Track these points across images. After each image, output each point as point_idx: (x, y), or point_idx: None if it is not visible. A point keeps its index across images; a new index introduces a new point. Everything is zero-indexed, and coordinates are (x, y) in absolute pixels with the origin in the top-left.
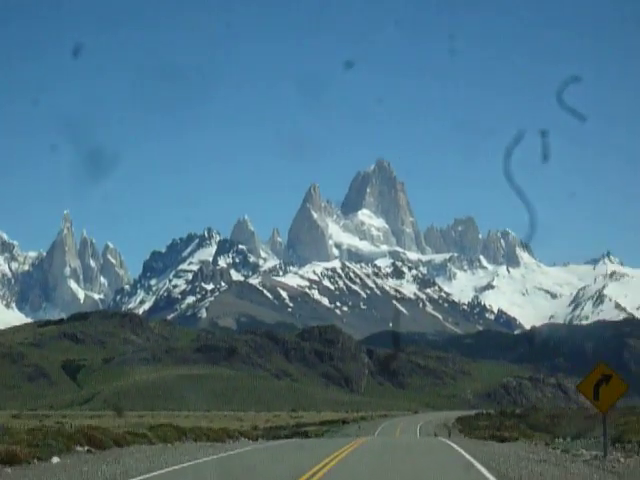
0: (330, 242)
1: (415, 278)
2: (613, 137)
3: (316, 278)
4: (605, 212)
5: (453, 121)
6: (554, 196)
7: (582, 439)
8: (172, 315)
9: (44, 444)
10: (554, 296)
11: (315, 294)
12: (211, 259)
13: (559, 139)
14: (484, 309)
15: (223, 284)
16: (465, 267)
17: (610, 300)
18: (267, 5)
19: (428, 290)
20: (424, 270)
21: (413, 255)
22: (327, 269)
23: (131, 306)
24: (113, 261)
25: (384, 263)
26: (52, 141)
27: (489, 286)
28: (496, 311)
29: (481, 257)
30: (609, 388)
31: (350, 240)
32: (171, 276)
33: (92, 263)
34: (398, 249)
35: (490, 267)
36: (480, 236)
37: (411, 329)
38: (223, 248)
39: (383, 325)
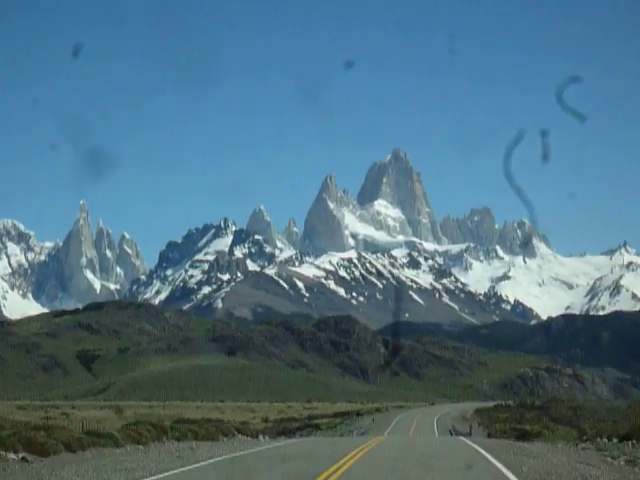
0: (346, 232)
1: (431, 268)
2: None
3: (332, 268)
4: (622, 203)
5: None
6: (570, 187)
7: (634, 440)
8: (188, 305)
9: None
10: (571, 287)
11: (331, 284)
12: (227, 249)
13: (568, 136)
14: (500, 299)
15: (239, 274)
16: (481, 257)
17: (627, 291)
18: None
19: (444, 280)
20: (440, 260)
21: (429, 245)
22: (343, 259)
23: (147, 296)
24: (129, 251)
25: (400, 253)
26: (66, 131)
27: (505, 276)
28: (512, 302)
29: (497, 247)
30: None
31: (366, 230)
32: (187, 266)
33: (108, 253)
34: (414, 239)
35: (506, 257)
36: (496, 226)
37: (427, 319)
38: (239, 238)
39: (399, 315)
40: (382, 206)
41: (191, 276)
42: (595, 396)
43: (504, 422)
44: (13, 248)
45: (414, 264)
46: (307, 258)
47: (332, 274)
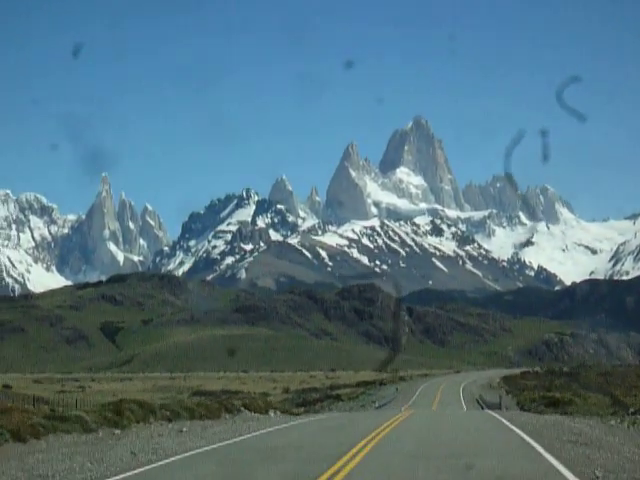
0: (369, 201)
1: (454, 235)
2: None
3: (355, 237)
4: None
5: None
6: (593, 151)
7: None
8: (211, 276)
9: None
10: (594, 252)
11: (354, 253)
12: (250, 219)
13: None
14: (524, 266)
15: (262, 244)
16: (504, 224)
17: None
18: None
19: (467, 247)
20: (463, 227)
21: (452, 212)
22: (366, 227)
23: (170, 268)
24: (152, 223)
25: (423, 221)
26: (89, 105)
27: (528, 242)
28: (536, 268)
29: (520, 214)
30: None
31: (389, 198)
32: (210, 237)
33: (131, 225)
34: (437, 206)
35: (529, 223)
36: (519, 192)
37: (450, 287)
38: (262, 208)
39: (423, 283)
40: (404, 174)
41: (214, 247)
42: (620, 361)
43: (532, 390)
44: (36, 222)
45: (437, 231)
46: (330, 227)
47: (355, 242)
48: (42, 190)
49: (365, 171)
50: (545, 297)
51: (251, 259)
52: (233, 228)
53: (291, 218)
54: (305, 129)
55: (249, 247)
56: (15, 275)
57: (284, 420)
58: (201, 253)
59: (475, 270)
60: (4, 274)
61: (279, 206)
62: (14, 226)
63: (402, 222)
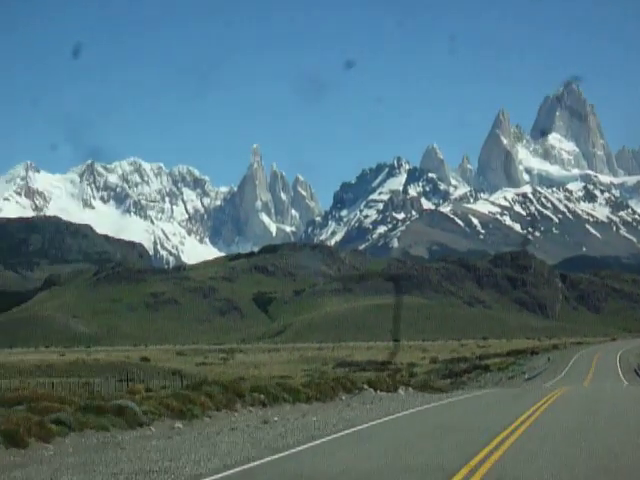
0: (520, 167)
1: (608, 201)
2: None
3: (507, 204)
4: None
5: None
6: None
7: None
8: (364, 245)
9: None
10: None
11: (507, 220)
12: (401, 188)
13: None
14: None
15: (414, 213)
16: None
17: None
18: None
19: (621, 213)
20: (616, 193)
21: (605, 178)
22: (518, 195)
23: (323, 238)
24: (304, 193)
25: (576, 187)
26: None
27: None
28: None
29: None
30: None
31: (540, 165)
32: (362, 206)
33: (283, 196)
34: (589, 172)
35: None
36: None
37: (605, 253)
38: (413, 177)
39: (576, 249)
40: (556, 140)
41: (366, 216)
42: None
43: None
44: (189, 194)
45: (590, 197)
46: (482, 195)
47: (507, 210)
48: (194, 163)
49: (516, 138)
50: None
51: (403, 228)
52: (385, 197)
53: (442, 186)
54: (454, 97)
55: (401, 216)
56: (169, 247)
57: (411, 403)
58: (353, 223)
59: (629, 236)
60: (158, 246)
61: (430, 174)
62: (167, 199)
63: (554, 189)
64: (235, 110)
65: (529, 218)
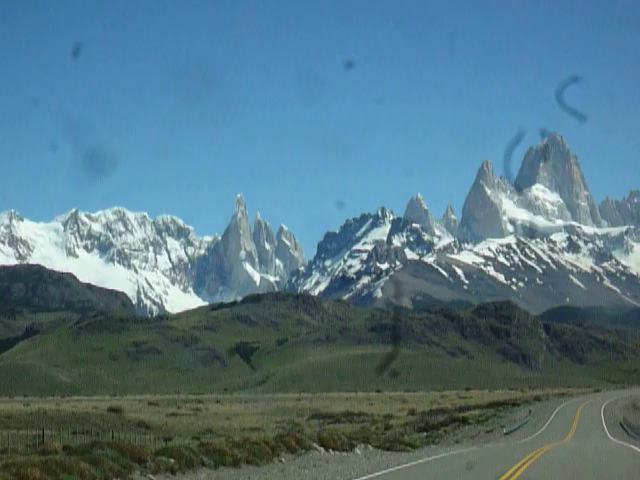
0: (504, 218)
1: (591, 252)
2: None
3: (491, 254)
4: None
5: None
6: None
7: None
8: (347, 295)
9: None
10: None
11: (490, 270)
12: (385, 238)
13: None
14: None
15: (398, 263)
16: None
17: None
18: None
19: (605, 264)
20: (600, 244)
21: (589, 229)
22: (502, 245)
23: (307, 287)
24: (288, 243)
25: (559, 238)
26: (232, 130)
27: None
28: None
29: None
30: None
31: (524, 215)
32: (346, 256)
33: (267, 246)
34: (573, 223)
35: None
36: None
37: (588, 303)
38: (397, 227)
39: (560, 300)
40: (540, 190)
41: (350, 266)
42: None
43: None
44: (173, 243)
45: (574, 248)
46: (466, 245)
47: (491, 260)
48: (178, 212)
49: (500, 189)
50: None
51: (387, 278)
52: (369, 247)
53: (427, 237)
54: (439, 148)
55: (385, 266)
56: (153, 297)
57: (362, 467)
58: (337, 272)
59: (613, 286)
60: (142, 295)
61: (415, 225)
62: (151, 248)
63: (538, 239)
64: (220, 160)
65: (513, 269)
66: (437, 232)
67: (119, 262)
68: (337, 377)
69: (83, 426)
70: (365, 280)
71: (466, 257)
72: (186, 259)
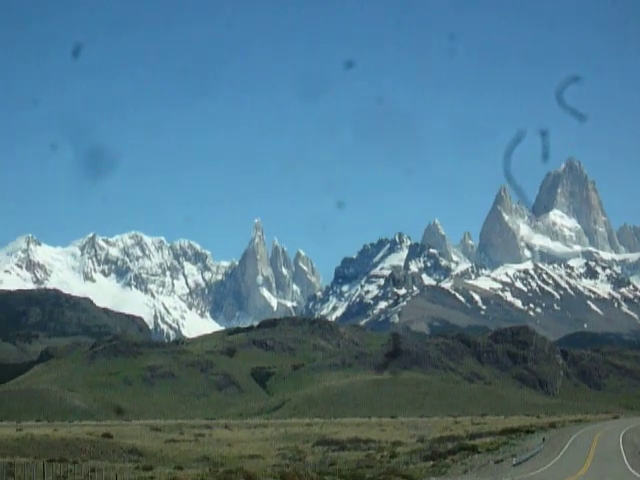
0: (522, 244)
1: (609, 278)
2: None
3: (508, 280)
4: None
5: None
6: None
7: None
8: (365, 321)
9: None
10: None
11: (508, 296)
12: (402, 264)
13: None
14: None
15: (415, 288)
16: None
17: None
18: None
19: (623, 289)
20: (618, 269)
21: (607, 254)
22: (519, 271)
23: (324, 313)
24: (305, 268)
25: (577, 263)
26: (248, 155)
27: None
28: None
29: None
30: None
31: (542, 241)
32: (363, 282)
33: (284, 271)
34: (591, 249)
35: None
36: None
37: (606, 329)
38: (414, 252)
39: (578, 326)
40: (557, 216)
41: (367, 291)
42: None
43: None
44: (190, 268)
45: (592, 274)
46: (483, 271)
47: (508, 286)
48: (196, 237)
49: (518, 214)
50: None
51: (404, 303)
52: (386, 273)
53: (444, 262)
54: (457, 174)
55: (402, 291)
56: (170, 321)
57: None
58: (354, 298)
59: (631, 312)
60: (159, 320)
61: (432, 250)
62: (168, 273)
63: (556, 265)
64: (237, 184)
65: (530, 294)
66: (454, 257)
67: (136, 287)
68: (353, 402)
69: (68, 453)
70: (382, 305)
71: (483, 283)
72: (203, 284)
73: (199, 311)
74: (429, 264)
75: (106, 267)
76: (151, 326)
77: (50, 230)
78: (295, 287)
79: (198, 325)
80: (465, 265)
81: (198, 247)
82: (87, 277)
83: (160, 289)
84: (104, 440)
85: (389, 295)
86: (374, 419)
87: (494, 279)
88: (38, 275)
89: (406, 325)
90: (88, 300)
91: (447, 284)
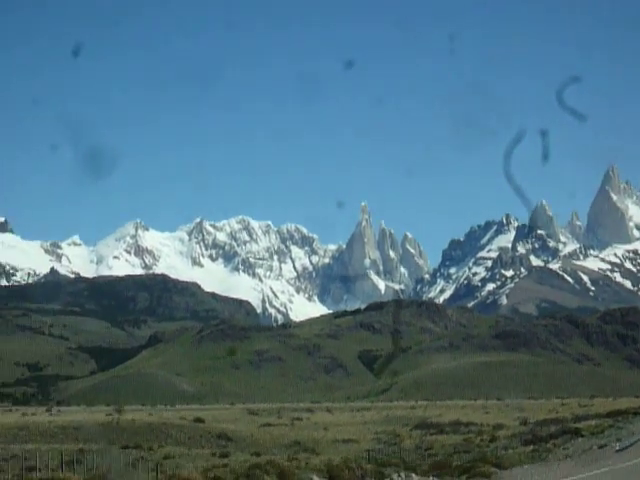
0: (631, 224)
1: None
2: None
3: (617, 261)
4: None
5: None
6: None
7: None
8: (472, 303)
9: None
10: None
11: (617, 277)
12: (510, 245)
13: None
14: None
15: (523, 270)
16: None
17: None
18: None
19: None
20: None
21: None
22: (629, 251)
23: (431, 295)
24: (412, 251)
25: None
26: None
27: None
28: None
29: None
30: None
31: None
32: (470, 264)
33: (392, 254)
34: None
35: None
36: None
37: None
38: (522, 234)
39: None
40: None
41: (475, 273)
42: None
43: None
44: (297, 252)
45: None
46: (591, 251)
47: (617, 266)
48: (303, 221)
49: (627, 194)
50: None
51: (512, 285)
52: (493, 254)
53: (552, 243)
54: (563, 152)
55: (510, 273)
56: (277, 305)
57: None
58: (462, 280)
59: None
60: (267, 304)
61: (539, 231)
62: (276, 257)
63: None
64: (344, 167)
65: None
66: (562, 238)
67: (244, 271)
68: (460, 385)
69: (154, 438)
70: (490, 287)
71: (592, 263)
72: (310, 268)
73: (307, 295)
74: (537, 245)
75: (214, 252)
76: (259, 310)
77: (158, 216)
78: (402, 270)
79: (306, 309)
80: (573, 246)
81: (305, 231)
82: (195, 262)
83: (268, 273)
84: (194, 425)
85: (497, 277)
86: (480, 402)
87: (603, 260)
88: (146, 260)
89: (514, 307)
90: (196, 285)
91: (555, 265)
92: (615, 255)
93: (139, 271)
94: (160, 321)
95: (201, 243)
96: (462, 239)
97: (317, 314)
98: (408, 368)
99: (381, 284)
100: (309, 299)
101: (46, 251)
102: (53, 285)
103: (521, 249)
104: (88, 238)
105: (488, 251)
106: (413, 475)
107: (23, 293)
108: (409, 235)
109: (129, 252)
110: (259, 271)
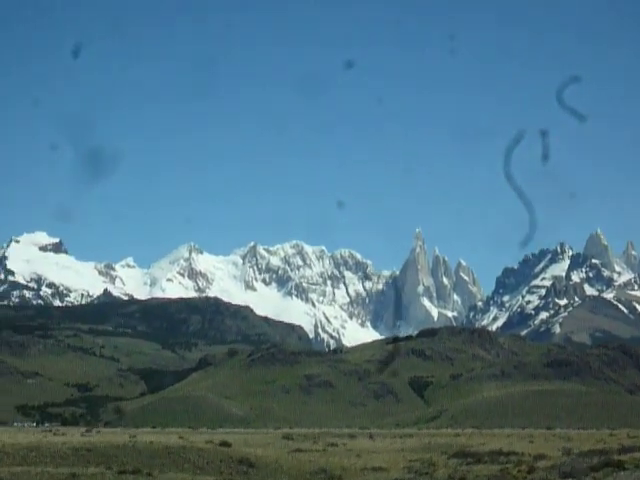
0: None
1: None
2: None
3: None
4: None
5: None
6: None
7: None
8: (525, 331)
9: None
10: None
11: None
12: (564, 274)
13: None
14: None
15: (577, 299)
16: None
17: None
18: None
19: None
20: None
21: None
22: None
23: (484, 323)
24: (466, 278)
25: None
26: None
27: None
28: None
29: None
30: None
31: None
32: (524, 292)
33: (445, 281)
34: None
35: None
36: None
37: None
38: (576, 263)
39: None
40: None
41: (528, 302)
42: None
43: None
44: (351, 277)
45: None
46: None
47: None
48: (356, 246)
49: None
50: None
51: (565, 314)
52: (547, 283)
53: (606, 272)
54: (618, 180)
55: (563, 302)
56: (330, 331)
57: None
58: (515, 308)
59: None
60: (319, 329)
61: (594, 260)
62: (329, 282)
63: None
64: (397, 194)
65: None
66: (617, 268)
67: (297, 296)
68: (510, 413)
69: (170, 462)
70: (543, 316)
71: None
72: (364, 293)
73: (360, 320)
74: (591, 274)
75: (267, 276)
76: (311, 335)
77: (212, 239)
78: (456, 297)
79: (358, 334)
80: (628, 275)
81: (359, 256)
82: (248, 286)
83: (321, 298)
84: (217, 449)
85: (550, 305)
86: (527, 430)
87: None
88: (200, 283)
89: (567, 335)
90: (248, 309)
91: (609, 295)
92: None
93: (192, 294)
94: (211, 344)
95: (255, 267)
96: (516, 267)
97: (369, 340)
98: (459, 395)
99: (434, 311)
100: (362, 325)
101: (100, 272)
102: (106, 306)
103: (575, 278)
104: (142, 260)
105: (542, 280)
106: None
107: (76, 314)
108: (463, 262)
109: (182, 275)
110: (312, 296)
